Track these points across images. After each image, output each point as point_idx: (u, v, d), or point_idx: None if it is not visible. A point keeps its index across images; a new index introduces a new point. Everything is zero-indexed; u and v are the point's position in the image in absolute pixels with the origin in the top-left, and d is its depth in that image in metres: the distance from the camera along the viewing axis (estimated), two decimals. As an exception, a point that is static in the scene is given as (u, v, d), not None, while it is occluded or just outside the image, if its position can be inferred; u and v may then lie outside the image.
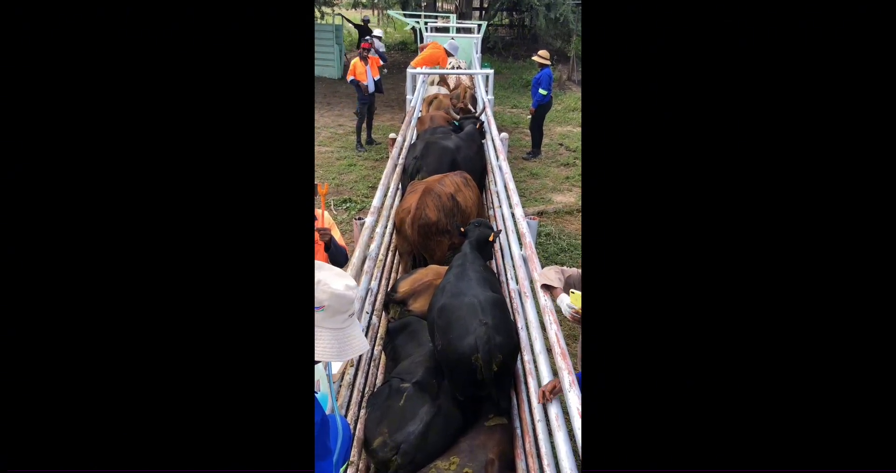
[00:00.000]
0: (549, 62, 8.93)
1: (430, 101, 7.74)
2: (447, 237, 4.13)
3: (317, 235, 3.06)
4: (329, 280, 1.46)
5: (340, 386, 2.75)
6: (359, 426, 2.79)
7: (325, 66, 14.50)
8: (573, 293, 2.67)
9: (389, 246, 4.42)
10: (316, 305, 1.44)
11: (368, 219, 3.77)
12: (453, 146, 5.22)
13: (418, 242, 4.17)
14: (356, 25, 14.61)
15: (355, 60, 9.14)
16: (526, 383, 2.81)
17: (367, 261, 3.42)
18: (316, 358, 1.44)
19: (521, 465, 2.63)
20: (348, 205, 7.30)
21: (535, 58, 9.10)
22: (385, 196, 4.44)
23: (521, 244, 3.60)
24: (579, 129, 10.81)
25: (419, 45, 13.61)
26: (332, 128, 10.51)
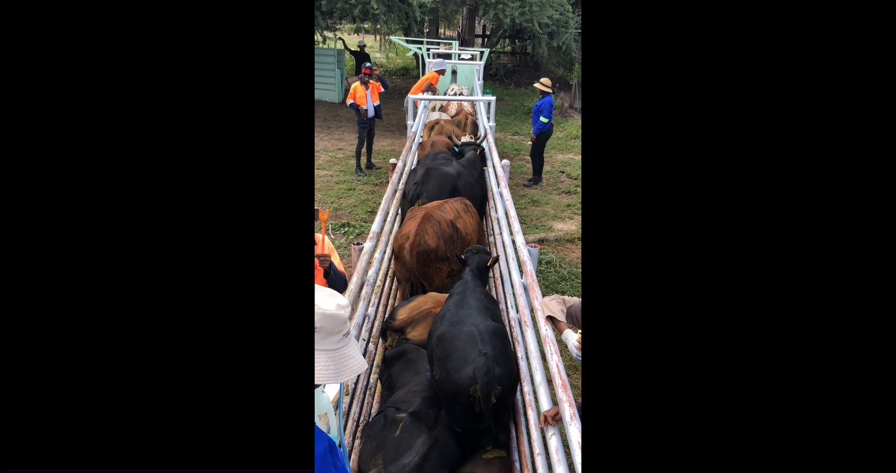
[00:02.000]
0: (550, 90, 9.05)
1: (431, 127, 7.82)
2: (446, 264, 4.13)
3: (316, 261, 3.06)
4: (320, 301, 1.47)
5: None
6: (353, 456, 2.75)
7: (325, 89, 14.67)
8: (579, 332, 2.68)
9: (388, 271, 4.42)
10: None
11: (367, 245, 3.78)
12: (454, 172, 5.25)
13: (417, 269, 4.17)
14: (353, 52, 14.82)
15: (356, 84, 9.24)
16: (525, 415, 2.79)
17: (364, 287, 3.42)
18: (315, 381, 1.44)
19: (519, 500, 2.60)
20: (346, 229, 7.31)
21: (536, 85, 9.22)
22: (384, 221, 4.45)
23: (521, 272, 3.60)
24: (581, 157, 10.90)
25: (421, 71, 13.82)
26: (331, 152, 10.58)
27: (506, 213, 4.56)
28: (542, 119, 8.84)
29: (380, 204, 4.76)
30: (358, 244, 4.09)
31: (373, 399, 3.43)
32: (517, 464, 2.77)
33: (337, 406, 2.19)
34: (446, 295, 3.47)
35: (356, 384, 3.07)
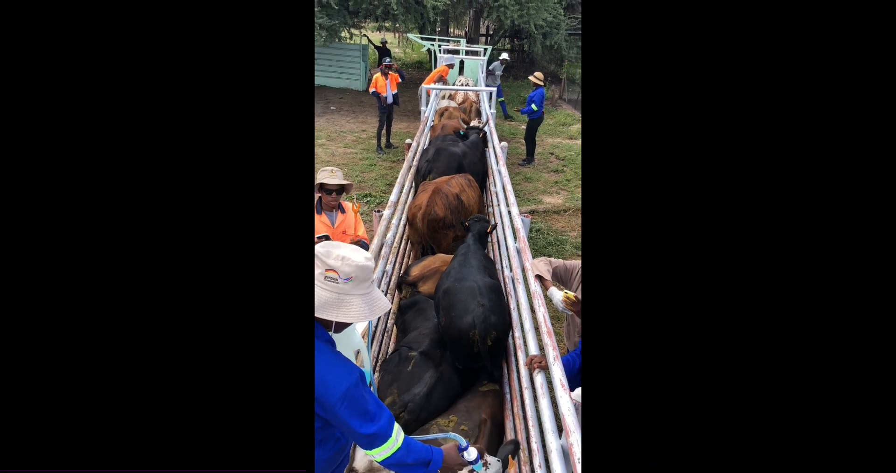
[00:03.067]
0: (542, 83, 8.87)
1: (441, 113, 7.69)
2: (452, 231, 4.12)
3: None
4: (350, 254, 1.47)
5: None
6: (374, 386, 2.79)
7: (351, 79, 14.41)
8: (565, 292, 2.67)
9: (403, 235, 4.41)
10: (345, 277, 1.44)
11: (386, 212, 3.75)
12: (460, 152, 5.20)
13: (427, 235, 4.16)
14: (376, 46, 14.53)
15: (377, 75, 9.07)
16: (516, 356, 2.81)
17: (383, 248, 3.41)
18: (352, 321, 1.45)
19: (509, 425, 2.64)
20: (368, 199, 7.27)
21: (531, 78, 9.05)
22: (401, 192, 4.42)
23: (515, 237, 3.58)
24: (568, 141, 10.76)
25: (433, 64, 13.57)
26: (356, 133, 10.46)
27: (503, 188, 4.51)
28: (533, 107, 8.69)
29: (397, 178, 4.72)
30: (378, 212, 4.07)
31: (390, 340, 3.46)
32: (508, 396, 2.80)
33: (368, 339, 2.23)
34: (452, 255, 3.46)
35: (376, 327, 3.09)
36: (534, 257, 3.07)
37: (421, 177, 4.97)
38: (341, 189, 3.25)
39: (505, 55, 11.64)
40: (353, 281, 1.45)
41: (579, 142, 10.70)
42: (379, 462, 1.51)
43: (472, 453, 1.72)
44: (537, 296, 2.68)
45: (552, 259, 2.96)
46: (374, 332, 3.10)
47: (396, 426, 1.52)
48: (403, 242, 4.41)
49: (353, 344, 2.04)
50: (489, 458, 1.89)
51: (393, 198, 4.02)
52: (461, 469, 1.73)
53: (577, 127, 11.81)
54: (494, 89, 8.26)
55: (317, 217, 3.31)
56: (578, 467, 1.69)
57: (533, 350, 2.50)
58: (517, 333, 2.88)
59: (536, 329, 2.59)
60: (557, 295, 2.68)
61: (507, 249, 3.73)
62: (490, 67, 11.45)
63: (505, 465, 1.87)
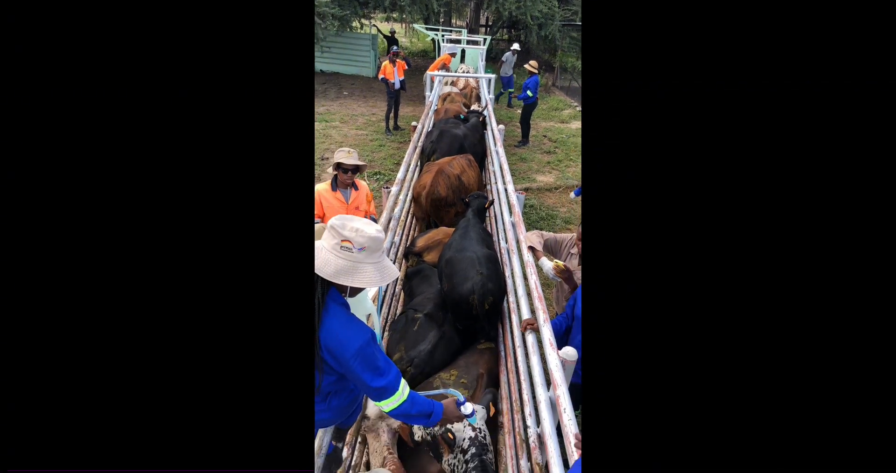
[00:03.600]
0: (537, 70, 8.72)
1: (444, 97, 7.59)
2: (453, 208, 4.12)
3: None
4: (363, 226, 1.48)
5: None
6: (383, 344, 2.84)
7: (362, 66, 14.14)
8: (555, 262, 2.69)
9: (409, 210, 4.41)
10: (358, 247, 1.46)
11: (394, 189, 3.75)
12: (461, 134, 5.14)
13: (431, 212, 4.17)
14: (385, 36, 14.23)
15: (386, 63, 8.91)
16: (510, 318, 2.85)
17: (391, 221, 3.42)
18: (365, 286, 1.47)
19: (503, 378, 2.69)
20: (378, 176, 7.25)
21: (526, 66, 8.89)
22: (407, 170, 4.39)
23: (510, 212, 3.58)
24: (560, 125, 10.63)
25: (437, 53, 13.32)
26: (366, 116, 10.33)
27: (500, 167, 4.48)
28: (528, 93, 8.56)
29: (403, 157, 4.69)
30: (387, 188, 4.06)
31: (398, 303, 3.50)
32: (502, 353, 2.85)
33: (378, 303, 2.24)
34: (453, 229, 3.47)
35: (385, 292, 3.12)
36: (527, 230, 3.08)
37: (425, 156, 4.93)
38: (356, 168, 3.24)
39: (516, 45, 11.26)
40: (366, 250, 1.46)
41: (570, 125, 10.57)
42: (386, 413, 1.55)
43: (468, 407, 1.76)
44: (530, 265, 2.71)
45: (544, 232, 2.97)
46: (384, 297, 3.14)
47: (403, 381, 1.55)
48: (409, 216, 4.42)
49: (366, 309, 2.07)
50: (476, 406, 1.96)
51: (400, 175, 4.00)
52: (458, 421, 1.78)
53: (569, 111, 11.65)
54: (494, 76, 8.11)
55: (332, 193, 3.31)
56: (564, 416, 1.74)
57: (525, 313, 2.54)
58: (511, 298, 2.91)
59: (528, 294, 2.61)
60: (548, 264, 2.70)
61: (503, 223, 3.74)
62: (503, 58, 11.17)
63: (487, 411, 1.94)
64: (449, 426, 1.88)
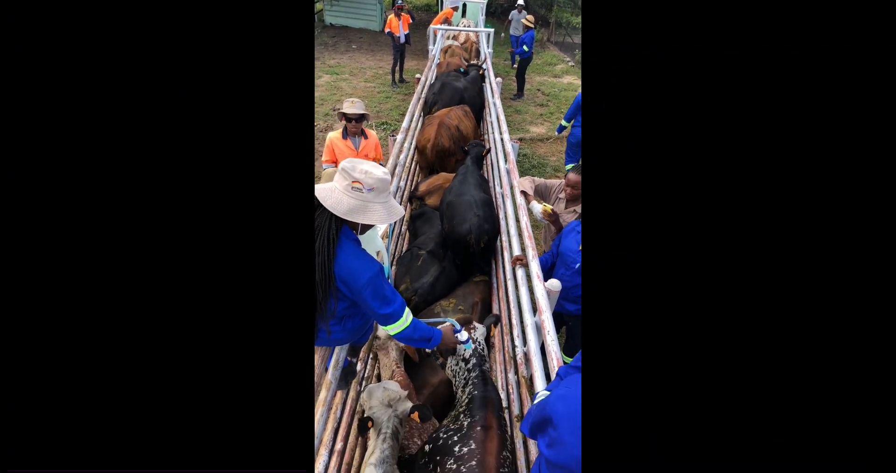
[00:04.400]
0: (533, 25, 8.14)
1: (445, 50, 7.17)
2: (455, 157, 4.02)
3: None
4: (371, 169, 1.43)
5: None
6: (391, 277, 2.86)
7: (368, 20, 13.23)
8: (543, 205, 2.63)
9: (413, 157, 4.30)
10: (368, 188, 1.42)
11: (399, 137, 3.63)
12: (462, 86, 4.90)
13: (435, 162, 4.08)
14: None
15: (391, 17, 8.32)
16: (502, 255, 2.85)
17: (397, 167, 3.33)
18: (375, 223, 1.44)
19: (495, 306, 2.73)
20: (385, 126, 7.01)
21: (522, 21, 8.29)
22: (411, 120, 4.24)
23: (506, 160, 3.48)
24: (553, 79, 10.13)
25: (440, 7, 12.41)
26: (374, 69, 9.83)
27: (497, 118, 4.31)
28: (525, 48, 8.07)
29: (408, 107, 4.50)
30: (393, 136, 3.93)
31: (403, 242, 3.50)
32: (495, 285, 2.88)
33: (387, 239, 2.21)
34: (453, 174, 3.39)
35: (392, 231, 3.10)
36: (520, 177, 3.01)
37: (428, 107, 4.73)
38: (360, 117, 3.11)
39: (521, 0, 10.35)
40: (375, 191, 1.42)
41: (563, 80, 10.08)
42: (392, 336, 1.58)
43: (463, 335, 1.79)
44: (522, 208, 2.66)
45: (535, 178, 2.90)
46: (393, 233, 3.13)
47: (407, 310, 1.56)
48: (413, 164, 4.31)
49: (376, 246, 2.05)
50: (476, 324, 1.99)
51: (405, 125, 3.86)
52: (454, 345, 1.82)
53: (562, 66, 11.06)
54: (492, 31, 7.60)
55: (343, 141, 3.20)
56: (548, 338, 1.78)
57: (517, 250, 2.53)
58: (504, 237, 2.90)
59: (520, 234, 2.59)
60: (537, 207, 2.65)
61: (498, 170, 3.65)
62: (510, 16, 10.29)
63: (488, 331, 1.98)
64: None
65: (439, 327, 1.74)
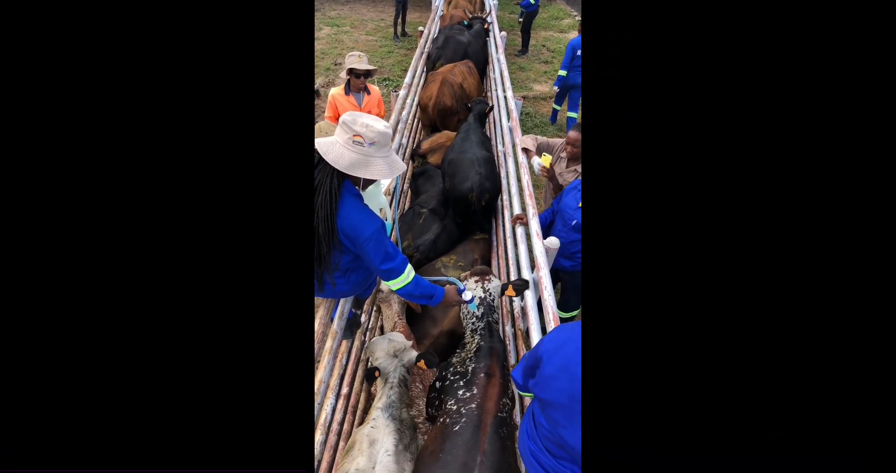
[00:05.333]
0: (541, -24, 7.68)
1: (449, 1, 6.82)
2: (457, 116, 3.93)
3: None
4: (372, 122, 1.40)
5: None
6: (392, 235, 2.88)
7: (370, -32, 12.50)
8: (544, 155, 2.59)
9: (416, 114, 4.20)
10: (369, 142, 1.39)
11: (402, 93, 3.53)
12: (466, 41, 4.69)
13: (437, 120, 3.98)
14: None
15: (394, -36, 7.87)
16: (503, 213, 2.85)
17: (399, 124, 3.27)
18: (376, 177, 1.42)
19: (494, 263, 2.77)
20: (387, 82, 6.80)
21: None
22: (414, 76, 4.11)
23: (508, 117, 3.41)
24: (559, 35, 9.69)
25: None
26: (376, 22, 9.39)
27: (501, 74, 4.17)
28: (531, 0, 7.66)
29: (411, 63, 4.35)
30: (395, 92, 3.83)
31: (406, 199, 3.49)
32: (494, 242, 2.90)
33: (392, 195, 2.19)
34: (455, 132, 3.33)
35: (395, 188, 3.08)
36: (522, 135, 2.96)
37: (431, 63, 4.57)
38: (368, 73, 3.01)
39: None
40: (376, 145, 1.40)
41: (569, 35, 9.64)
42: (394, 291, 1.60)
43: (467, 295, 1.78)
44: (523, 167, 2.64)
45: (538, 136, 2.85)
46: (398, 189, 3.11)
47: (409, 266, 1.57)
48: (416, 120, 4.22)
49: (379, 203, 2.05)
50: (493, 277, 1.95)
51: (407, 80, 3.74)
52: (457, 305, 1.83)
53: (568, 21, 10.54)
54: None
55: (345, 97, 3.11)
56: (545, 293, 1.82)
57: (517, 209, 2.53)
58: (505, 196, 2.89)
59: (521, 192, 2.59)
60: (537, 160, 2.63)
61: (501, 128, 3.58)
62: None
63: (505, 289, 1.92)
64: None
65: (445, 287, 1.75)
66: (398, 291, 1.60)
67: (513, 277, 2.32)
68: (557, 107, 5.72)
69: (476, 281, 1.91)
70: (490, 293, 1.89)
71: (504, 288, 1.92)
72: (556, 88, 5.30)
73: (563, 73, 5.08)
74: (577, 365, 1.11)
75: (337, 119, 3.13)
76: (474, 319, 1.86)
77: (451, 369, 1.75)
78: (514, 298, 2.21)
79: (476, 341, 1.82)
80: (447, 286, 1.77)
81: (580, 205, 2.27)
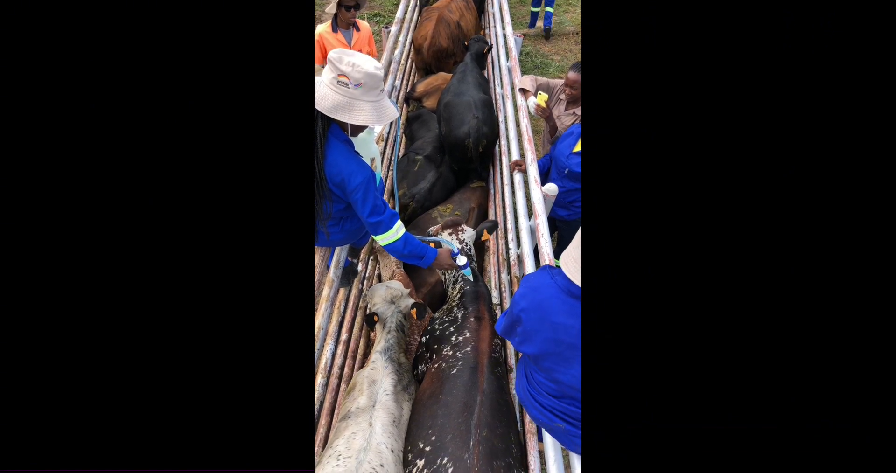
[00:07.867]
0: None
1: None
2: (454, 58, 3.70)
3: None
4: (360, 62, 1.28)
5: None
6: (386, 183, 2.82)
7: None
8: (540, 94, 2.47)
9: (409, 53, 3.96)
10: (355, 83, 1.28)
11: (393, 29, 3.30)
12: (462, -30, 4.32)
13: (432, 63, 3.75)
14: None
15: None
16: (500, 160, 2.78)
17: (392, 64, 3.08)
18: (361, 124, 1.33)
19: (491, 212, 2.74)
20: (378, 18, 6.35)
21: None
22: (406, 10, 3.82)
23: (508, 58, 3.21)
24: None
25: None
26: (363, -51, 8.61)
27: (500, 9, 3.89)
28: None
29: (403, -4, 4.03)
30: (387, 28, 3.58)
31: (400, 147, 3.38)
32: (492, 190, 2.85)
33: (394, 141, 2.10)
34: (451, 74, 3.16)
35: (388, 135, 2.98)
36: (523, 75, 2.80)
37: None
38: (357, 4, 2.78)
39: None
40: (363, 87, 1.29)
41: (574, -36, 8.90)
42: (382, 246, 1.55)
43: (461, 259, 1.73)
44: (522, 110, 2.52)
45: (538, 77, 2.70)
46: (398, 138, 3.00)
47: (398, 223, 1.51)
48: (410, 60, 3.99)
49: (370, 152, 1.97)
50: (466, 227, 1.99)
51: (399, 15, 3.48)
52: (450, 269, 1.81)
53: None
54: None
55: (333, 35, 2.90)
56: (542, 240, 1.80)
57: (515, 155, 2.45)
58: (503, 141, 2.80)
59: (519, 137, 2.50)
60: (532, 100, 2.51)
61: (499, 68, 3.39)
62: None
63: (479, 236, 1.98)
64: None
65: (438, 249, 1.71)
66: (386, 247, 1.55)
67: (510, 225, 2.29)
68: (535, 9, 5.34)
69: (450, 234, 1.93)
70: (466, 243, 1.94)
71: (479, 234, 1.96)
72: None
73: (550, 9, 4.75)
74: (553, 313, 1.11)
75: (324, 60, 2.95)
76: (454, 271, 1.90)
77: (438, 320, 1.79)
78: (511, 247, 2.20)
79: (459, 288, 1.85)
80: (440, 250, 1.74)
81: (574, 151, 2.20)
